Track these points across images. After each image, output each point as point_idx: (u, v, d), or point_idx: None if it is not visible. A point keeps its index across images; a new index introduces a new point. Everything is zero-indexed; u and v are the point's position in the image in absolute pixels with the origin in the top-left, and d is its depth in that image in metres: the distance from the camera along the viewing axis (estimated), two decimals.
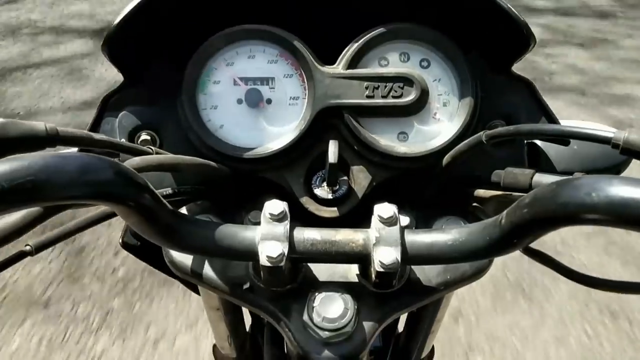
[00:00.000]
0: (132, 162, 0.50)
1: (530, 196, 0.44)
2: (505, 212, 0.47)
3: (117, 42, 0.60)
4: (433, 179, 0.66)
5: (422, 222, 0.66)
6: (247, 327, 1.00)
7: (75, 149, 0.59)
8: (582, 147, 0.78)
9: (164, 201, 0.49)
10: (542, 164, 0.76)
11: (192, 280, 0.63)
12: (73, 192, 0.38)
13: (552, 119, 0.69)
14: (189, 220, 0.53)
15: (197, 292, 0.83)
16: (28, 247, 0.46)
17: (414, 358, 1.00)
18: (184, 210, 0.66)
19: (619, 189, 0.37)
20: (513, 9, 0.61)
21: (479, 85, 0.66)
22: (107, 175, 0.40)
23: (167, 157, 0.54)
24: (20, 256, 0.46)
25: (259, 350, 1.00)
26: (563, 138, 0.50)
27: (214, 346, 1.03)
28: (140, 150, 0.54)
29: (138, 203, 0.44)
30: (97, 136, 0.48)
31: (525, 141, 0.73)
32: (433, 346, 1.02)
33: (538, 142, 0.74)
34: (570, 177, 0.42)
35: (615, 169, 0.80)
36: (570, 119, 0.80)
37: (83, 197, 0.39)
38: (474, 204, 0.66)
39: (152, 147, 0.55)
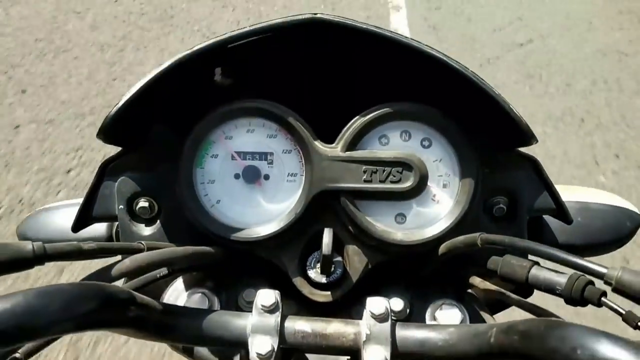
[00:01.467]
0: (121, 267, 0.50)
1: (523, 327, 0.44)
2: (496, 327, 0.47)
3: (112, 128, 0.60)
4: (429, 262, 0.65)
5: (418, 303, 0.65)
6: None
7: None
8: (585, 220, 0.77)
9: (151, 303, 0.49)
10: (545, 236, 0.75)
11: (185, 356, 0.63)
12: (57, 328, 0.38)
13: (556, 198, 0.68)
14: (177, 313, 0.53)
15: None
16: (18, 355, 0.46)
17: None
18: (179, 282, 0.66)
19: (605, 349, 0.37)
20: (514, 110, 0.59)
21: (482, 164, 0.65)
22: (90, 305, 0.41)
23: (158, 253, 0.54)
24: None
25: None
26: (559, 263, 0.49)
27: None
28: (131, 248, 0.54)
29: (125, 321, 0.45)
30: (85, 246, 0.48)
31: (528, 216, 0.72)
32: None
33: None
34: (563, 322, 0.41)
35: (618, 242, 0.78)
36: None
37: (68, 330, 0.39)
38: (469, 291, 0.65)
39: (143, 243, 0.55)
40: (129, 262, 0.50)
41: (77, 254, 0.46)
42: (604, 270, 0.45)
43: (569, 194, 0.78)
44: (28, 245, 0.43)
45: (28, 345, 0.47)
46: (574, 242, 0.75)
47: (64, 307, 0.39)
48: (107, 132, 0.60)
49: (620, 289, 0.44)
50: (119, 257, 0.56)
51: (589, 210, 0.77)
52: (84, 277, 0.49)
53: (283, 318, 0.53)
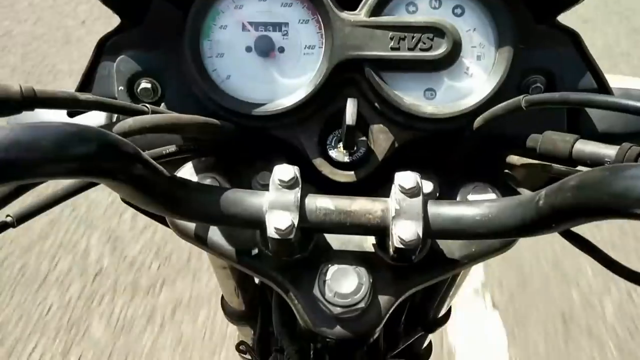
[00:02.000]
0: (123, 125, 0.44)
1: (577, 179, 0.38)
2: (544, 191, 0.42)
3: None
4: (461, 141, 0.59)
5: (447, 188, 0.60)
6: (257, 280, 0.97)
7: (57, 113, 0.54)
8: None
9: (159, 168, 0.44)
10: (583, 124, 0.69)
11: (196, 245, 0.58)
12: (49, 169, 0.33)
13: (599, 76, 0.62)
14: (189, 187, 0.48)
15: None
16: (9, 219, 0.41)
17: (430, 317, 0.97)
18: (188, 167, 0.61)
19: None
20: None
21: (519, 36, 0.58)
22: (87, 147, 0.35)
23: (164, 117, 0.48)
24: (3, 227, 0.42)
25: (268, 304, 0.98)
26: (616, 111, 0.43)
27: (222, 299, 1.02)
28: (134, 109, 0.48)
29: (128, 175, 0.39)
30: (82, 96, 0.42)
31: None
32: (450, 307, 0.99)
33: None
34: (626, 164, 0.36)
35: None
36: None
37: (61, 174, 0.34)
38: (506, 171, 0.60)
39: (148, 105, 0.49)
40: (132, 121, 0.45)
41: (72, 103, 0.41)
42: None
43: (612, 80, 0.72)
44: (14, 86, 0.37)
45: (21, 207, 0.42)
46: (618, 131, 0.69)
47: (59, 145, 0.34)
48: None
49: None
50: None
51: (632, 97, 0.71)
52: None
53: (303, 194, 0.48)
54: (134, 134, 0.45)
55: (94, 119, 0.69)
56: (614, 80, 0.73)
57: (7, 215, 0.41)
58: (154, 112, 0.49)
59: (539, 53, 0.60)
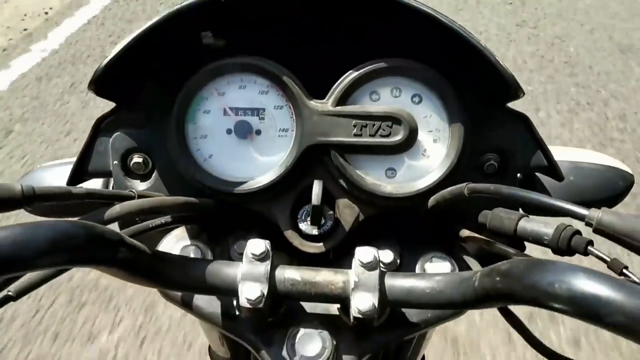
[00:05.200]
0: (112, 212, 0.51)
1: (505, 266, 0.45)
2: (479, 273, 0.49)
3: (105, 80, 0.61)
4: (419, 216, 0.66)
5: (408, 256, 0.66)
6: None
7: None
8: (577, 179, 0.77)
9: (142, 247, 0.50)
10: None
11: (180, 307, 0.65)
12: (43, 262, 0.40)
13: (547, 154, 0.68)
14: (169, 260, 0.55)
15: None
16: (10, 293, 0.48)
17: None
18: (172, 235, 0.67)
19: (581, 282, 0.38)
20: (500, 62, 0.59)
21: (472, 120, 0.65)
22: (76, 241, 0.42)
23: (148, 201, 0.55)
24: (4, 301, 0.48)
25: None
26: (543, 209, 0.50)
27: (209, 348, 1.06)
28: (121, 195, 0.55)
29: (113, 261, 0.46)
30: (75, 189, 0.49)
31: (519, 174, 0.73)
32: (424, 355, 1.04)
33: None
34: (542, 260, 0.42)
35: (611, 201, 0.79)
36: None
37: (54, 265, 0.41)
38: (460, 243, 0.66)
39: (134, 190, 0.56)
40: (119, 207, 0.52)
41: (66, 197, 0.48)
42: (585, 212, 0.45)
43: (561, 154, 0.78)
44: (17, 186, 0.44)
45: (20, 282, 0.49)
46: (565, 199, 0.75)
47: (51, 241, 0.40)
48: (99, 85, 0.61)
49: (601, 230, 0.44)
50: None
51: (580, 169, 0.78)
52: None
53: (273, 266, 0.54)
54: (121, 219, 0.51)
55: (91, 187, 0.76)
56: (563, 152, 0.80)
57: (8, 290, 0.48)
58: (140, 196, 0.55)
59: (492, 134, 0.67)
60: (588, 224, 0.45)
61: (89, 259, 0.44)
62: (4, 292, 0.47)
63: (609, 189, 0.78)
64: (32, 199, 0.45)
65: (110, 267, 0.47)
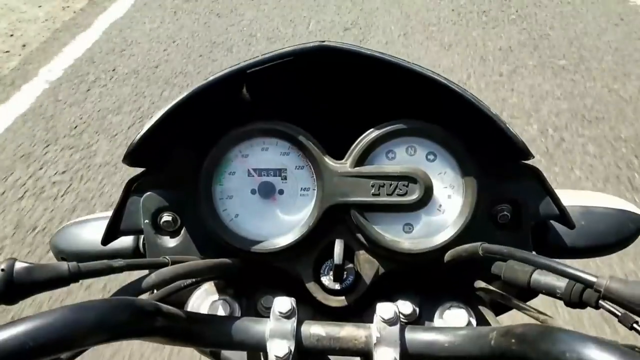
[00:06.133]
0: (148, 281, 0.55)
1: (521, 329, 0.49)
2: (496, 331, 0.52)
3: (137, 154, 0.65)
4: (436, 268, 0.69)
5: (428, 305, 0.69)
6: None
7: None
8: (589, 223, 0.79)
9: (176, 312, 0.54)
10: (550, 240, 0.79)
11: (208, 357, 0.68)
12: (92, 339, 0.44)
13: (558, 204, 0.71)
14: (202, 320, 0.59)
15: None
16: None
17: None
18: (201, 290, 0.71)
19: (591, 352, 0.41)
20: (511, 129, 0.63)
21: (485, 174, 0.68)
22: (121, 318, 0.46)
23: (181, 267, 0.59)
24: None
25: None
26: (552, 272, 0.53)
27: None
28: (156, 263, 0.59)
29: (154, 331, 0.50)
30: (115, 264, 0.53)
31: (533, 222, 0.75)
32: None
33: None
34: (555, 328, 0.46)
35: (622, 244, 0.81)
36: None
37: (102, 341, 0.45)
38: (477, 293, 0.69)
39: (167, 258, 0.60)
40: (155, 276, 0.56)
41: (108, 271, 0.52)
42: (593, 279, 0.48)
43: (573, 198, 0.81)
44: (64, 265, 0.49)
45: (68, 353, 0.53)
46: (578, 245, 0.78)
47: (98, 320, 0.44)
48: (133, 157, 0.65)
49: (609, 297, 0.47)
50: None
51: (592, 213, 0.80)
52: (115, 291, 0.54)
53: (299, 323, 0.58)
54: (157, 287, 0.55)
55: (124, 243, 0.80)
56: (574, 196, 0.83)
57: None
58: (173, 262, 0.59)
59: (505, 187, 0.70)
60: (597, 291, 0.48)
61: (133, 333, 0.48)
62: None
63: (620, 233, 0.80)
64: (78, 277, 0.49)
65: (149, 337, 0.51)
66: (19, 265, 0.47)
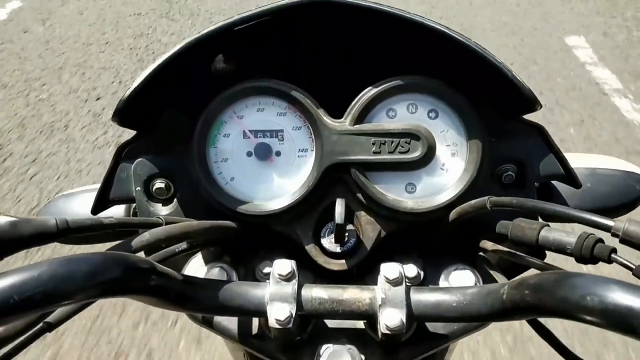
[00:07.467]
0: (141, 239, 0.52)
1: (534, 280, 0.46)
2: (507, 285, 0.49)
3: (127, 111, 0.62)
4: (440, 229, 0.66)
5: (432, 269, 0.67)
6: None
7: None
8: (594, 185, 0.77)
9: (172, 273, 0.51)
10: (555, 202, 0.76)
11: (207, 328, 0.65)
12: (81, 295, 0.41)
13: (564, 163, 0.69)
14: (198, 284, 0.56)
15: None
16: (46, 325, 0.49)
17: None
18: (198, 257, 0.68)
19: (612, 294, 0.38)
20: (517, 77, 0.60)
21: (489, 133, 0.66)
22: (111, 273, 0.43)
23: (175, 227, 0.56)
24: (40, 332, 0.49)
25: None
26: (566, 220, 0.50)
27: None
28: (149, 223, 0.56)
29: (146, 288, 0.47)
30: (106, 220, 0.50)
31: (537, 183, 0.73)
32: None
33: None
34: (573, 273, 0.43)
35: (628, 206, 0.79)
36: None
37: (92, 296, 0.42)
38: (481, 254, 0.67)
39: (161, 217, 0.57)
40: (149, 235, 0.53)
41: (98, 227, 0.49)
42: (611, 223, 0.46)
43: (577, 160, 0.79)
44: (51, 220, 0.45)
45: (59, 312, 0.50)
46: (583, 207, 0.76)
47: (88, 274, 0.41)
48: (121, 116, 0.62)
49: (628, 240, 0.45)
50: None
51: (597, 175, 0.78)
52: (107, 249, 0.51)
53: (300, 286, 0.55)
54: (150, 246, 0.52)
55: (115, 213, 0.77)
56: (579, 159, 0.81)
57: (44, 322, 0.49)
58: (167, 223, 0.57)
59: (509, 145, 0.68)
60: (614, 235, 0.46)
61: (124, 289, 0.45)
62: (40, 325, 0.48)
63: (626, 194, 0.78)
64: (67, 232, 0.46)
65: (144, 296, 0.48)
66: (3, 219, 0.44)
